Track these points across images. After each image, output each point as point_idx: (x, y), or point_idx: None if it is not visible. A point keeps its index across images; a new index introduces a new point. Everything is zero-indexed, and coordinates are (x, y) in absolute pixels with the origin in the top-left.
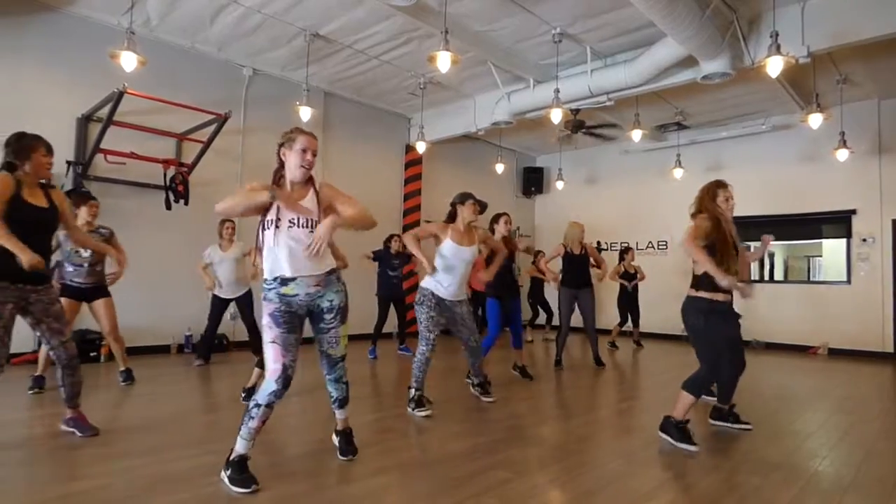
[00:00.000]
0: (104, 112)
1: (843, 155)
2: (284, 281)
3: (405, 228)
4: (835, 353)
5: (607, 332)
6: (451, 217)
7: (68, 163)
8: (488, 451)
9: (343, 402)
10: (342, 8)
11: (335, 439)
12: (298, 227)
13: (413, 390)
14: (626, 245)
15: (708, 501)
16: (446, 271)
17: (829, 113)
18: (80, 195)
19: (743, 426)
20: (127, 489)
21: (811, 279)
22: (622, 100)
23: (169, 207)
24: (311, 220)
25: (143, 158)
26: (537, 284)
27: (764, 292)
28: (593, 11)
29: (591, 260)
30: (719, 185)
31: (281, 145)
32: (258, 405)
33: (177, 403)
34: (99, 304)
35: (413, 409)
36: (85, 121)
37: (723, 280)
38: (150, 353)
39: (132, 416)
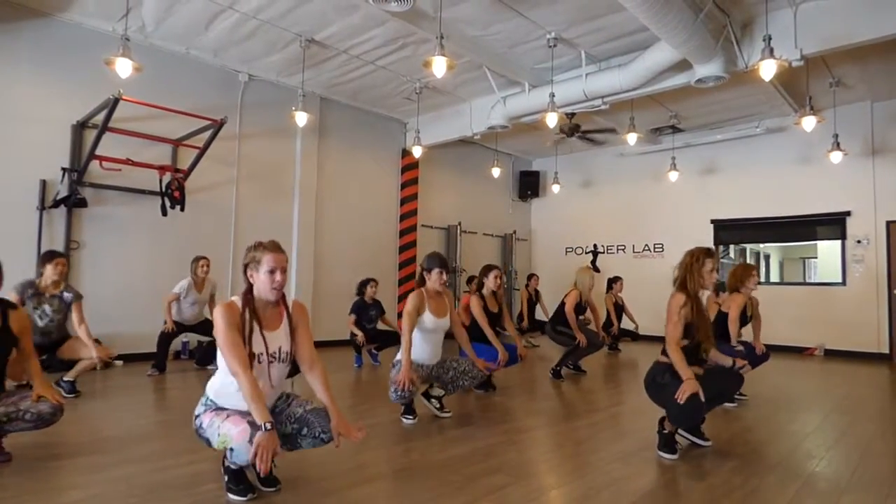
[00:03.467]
0: (99, 118)
1: (836, 157)
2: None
3: (402, 234)
4: (831, 354)
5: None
6: (422, 280)
7: (63, 170)
8: (486, 456)
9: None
10: (337, 13)
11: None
12: (279, 361)
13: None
14: (616, 276)
15: (706, 503)
16: (426, 342)
17: (822, 115)
18: (45, 254)
19: (706, 442)
20: (124, 497)
21: (806, 281)
22: (617, 103)
23: (165, 214)
24: (288, 353)
25: (139, 165)
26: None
27: (759, 294)
28: (587, 16)
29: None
30: (709, 254)
31: (246, 266)
32: (237, 465)
33: (171, 411)
34: (66, 348)
35: (401, 415)
36: (80, 127)
37: (686, 384)
38: (146, 359)
39: (125, 424)
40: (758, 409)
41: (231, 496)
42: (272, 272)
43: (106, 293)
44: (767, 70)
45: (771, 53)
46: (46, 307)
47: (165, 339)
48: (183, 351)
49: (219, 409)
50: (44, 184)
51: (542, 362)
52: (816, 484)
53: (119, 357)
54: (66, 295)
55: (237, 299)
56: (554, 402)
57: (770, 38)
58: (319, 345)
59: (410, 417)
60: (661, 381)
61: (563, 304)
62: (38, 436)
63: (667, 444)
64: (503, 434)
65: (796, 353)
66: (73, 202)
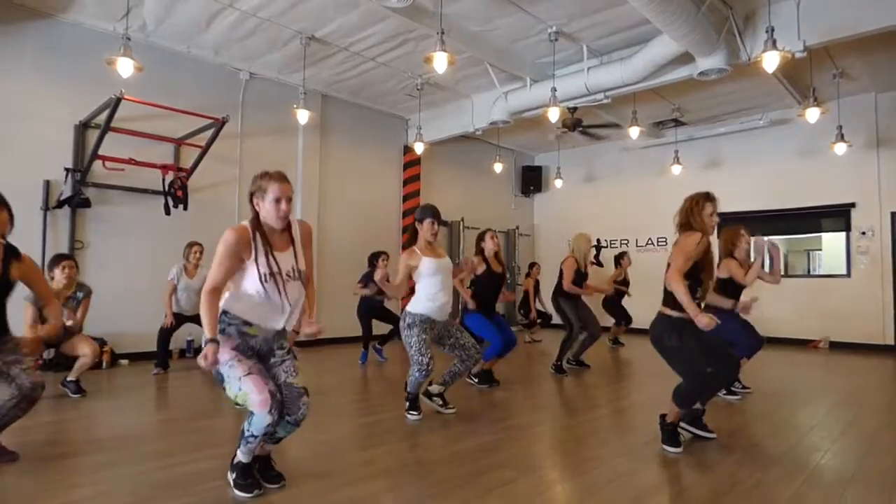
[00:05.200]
0: (102, 118)
1: (840, 149)
2: (249, 323)
3: (405, 230)
4: (835, 347)
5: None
6: (414, 235)
7: (67, 170)
8: (491, 451)
9: (279, 441)
10: (337, 10)
11: (233, 476)
12: (293, 279)
13: (408, 393)
14: (622, 251)
15: (711, 497)
16: (434, 285)
17: (826, 107)
18: (53, 259)
19: (709, 435)
20: (130, 495)
21: (811, 273)
22: (619, 97)
23: (168, 213)
24: (301, 271)
25: (142, 164)
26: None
27: (764, 286)
28: (589, 10)
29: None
30: (708, 197)
31: (252, 194)
32: (254, 436)
33: (177, 409)
34: (70, 344)
35: (406, 410)
36: (83, 127)
37: (698, 319)
38: (151, 358)
39: (132, 422)
40: (762, 402)
41: (238, 492)
42: (278, 201)
43: (110, 292)
44: (770, 62)
45: (774, 45)
46: (64, 311)
47: (165, 334)
48: (188, 349)
49: (239, 355)
50: (47, 184)
51: (545, 357)
52: (821, 477)
53: (124, 356)
54: (79, 294)
55: (247, 224)
56: (557, 398)
57: (773, 30)
58: (324, 342)
59: (415, 413)
60: (669, 344)
61: (561, 273)
62: (44, 434)
63: (670, 437)
64: (508, 429)
65: (801, 346)
66: (77, 202)
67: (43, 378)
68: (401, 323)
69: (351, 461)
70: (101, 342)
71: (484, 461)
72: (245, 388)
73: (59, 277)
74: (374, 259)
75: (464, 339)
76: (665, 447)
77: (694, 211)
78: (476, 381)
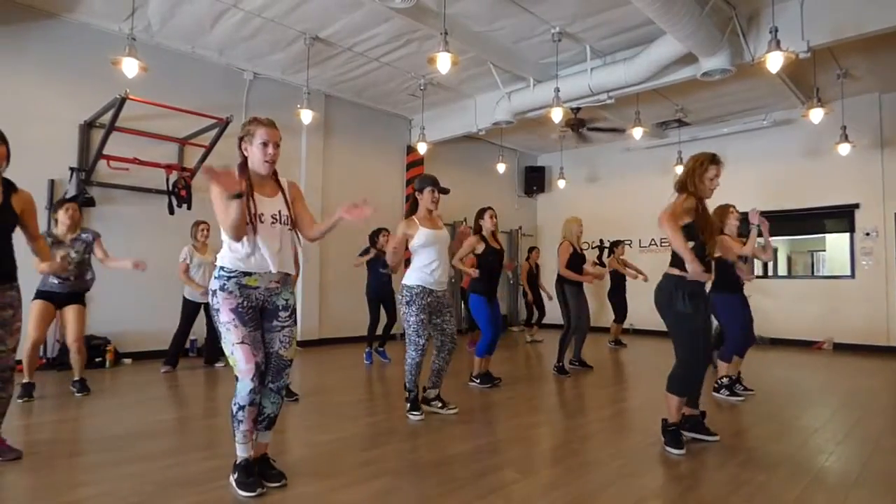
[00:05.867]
0: (106, 118)
1: (844, 149)
2: (247, 272)
3: None
4: (840, 348)
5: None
6: (414, 206)
7: (71, 169)
8: (493, 452)
9: (273, 422)
10: (341, 11)
11: (235, 476)
12: (280, 223)
13: (408, 393)
14: (616, 240)
15: (714, 498)
16: (429, 255)
17: (830, 107)
18: (57, 203)
19: (713, 438)
20: (134, 494)
21: (815, 274)
22: (623, 98)
23: (172, 212)
24: (289, 217)
25: (146, 164)
26: (533, 284)
27: (768, 287)
28: (592, 10)
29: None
30: (714, 160)
31: (241, 139)
32: (241, 407)
33: (180, 408)
34: (69, 310)
35: (407, 411)
36: (87, 127)
37: (691, 266)
38: (156, 357)
39: (136, 421)
40: (766, 404)
41: (240, 491)
42: (265, 144)
43: (114, 292)
44: (774, 62)
45: (777, 45)
46: (71, 252)
47: (182, 332)
48: (191, 348)
49: (237, 319)
50: (52, 183)
51: (546, 357)
52: (826, 479)
53: (127, 355)
54: (85, 235)
55: (234, 168)
56: (560, 398)
57: (777, 30)
58: (327, 342)
59: (417, 413)
60: (681, 310)
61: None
62: (48, 433)
63: (673, 438)
64: (510, 430)
65: (805, 347)
66: (82, 201)
67: (12, 361)
68: (398, 298)
69: (353, 461)
70: (105, 341)
71: (486, 462)
72: (236, 356)
73: (62, 219)
74: (374, 236)
75: (449, 325)
76: (668, 449)
77: (696, 172)
78: (478, 381)
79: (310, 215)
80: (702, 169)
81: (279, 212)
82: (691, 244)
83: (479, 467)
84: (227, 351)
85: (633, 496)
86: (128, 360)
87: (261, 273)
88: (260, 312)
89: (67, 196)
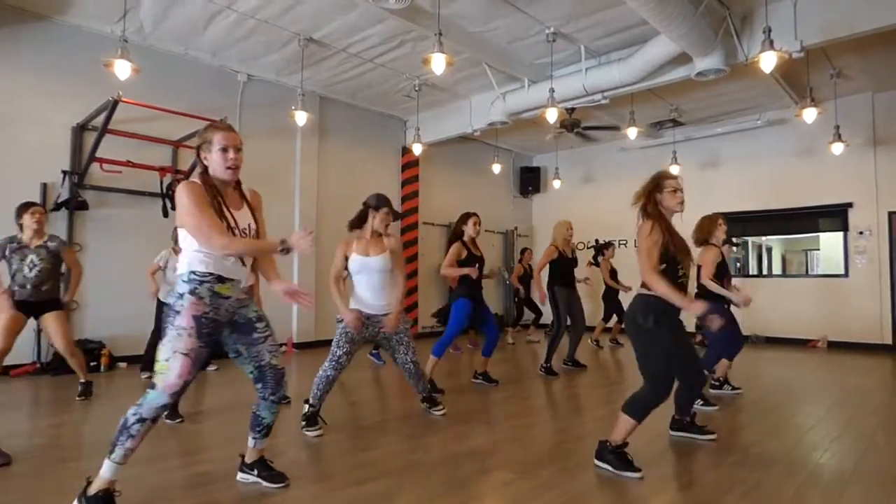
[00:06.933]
0: (99, 121)
1: (838, 149)
2: (221, 279)
3: (403, 231)
4: (834, 346)
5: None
6: (361, 219)
7: (64, 172)
8: (489, 452)
9: (270, 430)
10: (335, 12)
11: (244, 477)
12: (249, 236)
13: (307, 406)
14: (606, 242)
15: (710, 497)
16: (358, 283)
17: (823, 107)
18: (21, 206)
19: (708, 437)
20: (127, 499)
21: (809, 273)
22: (617, 98)
23: (166, 215)
24: (256, 230)
25: (139, 166)
26: (527, 285)
27: (762, 286)
28: (586, 10)
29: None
30: (664, 176)
31: (198, 148)
32: (142, 420)
33: None
34: (47, 318)
35: (303, 428)
36: (80, 130)
37: (686, 305)
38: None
39: None
40: (760, 402)
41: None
42: (224, 150)
43: (108, 295)
44: (768, 62)
45: (771, 45)
46: (33, 257)
47: (158, 336)
48: None
49: (196, 328)
50: (45, 187)
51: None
52: (820, 476)
53: (122, 359)
54: (51, 244)
55: (196, 179)
56: (555, 399)
57: (770, 30)
58: (323, 345)
59: (314, 429)
60: (645, 326)
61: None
62: (44, 438)
63: (621, 461)
64: (506, 431)
65: (799, 346)
66: (75, 205)
67: None
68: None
69: (349, 463)
70: (100, 345)
71: (483, 463)
72: (171, 364)
73: (28, 223)
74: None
75: (401, 355)
76: (625, 474)
77: (653, 193)
78: (481, 378)
79: (263, 229)
80: (658, 188)
81: (249, 225)
82: (663, 266)
83: (476, 467)
84: (162, 355)
85: (631, 494)
86: (123, 364)
87: (233, 281)
88: (233, 328)
89: (60, 199)
